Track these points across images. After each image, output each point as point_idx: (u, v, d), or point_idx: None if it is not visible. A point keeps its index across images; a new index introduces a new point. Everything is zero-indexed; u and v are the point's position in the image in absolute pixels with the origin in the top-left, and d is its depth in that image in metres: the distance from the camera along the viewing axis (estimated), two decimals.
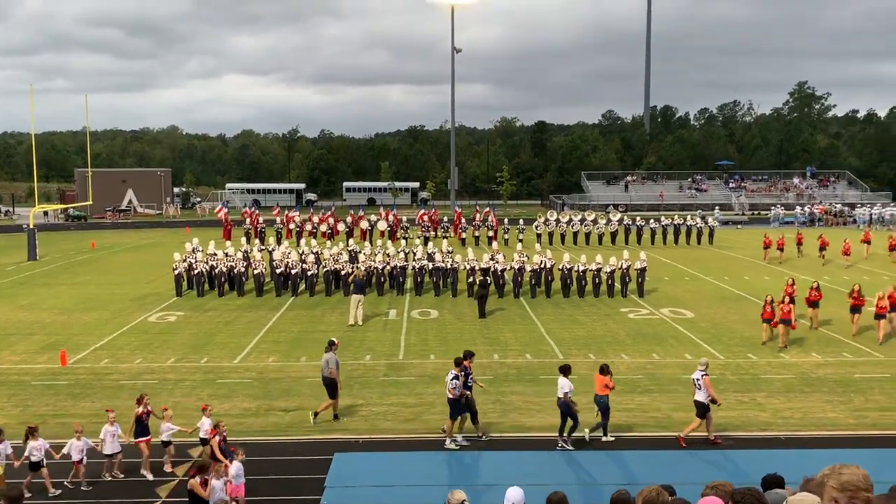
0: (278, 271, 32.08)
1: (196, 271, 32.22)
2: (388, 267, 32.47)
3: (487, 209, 52.71)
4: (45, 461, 13.63)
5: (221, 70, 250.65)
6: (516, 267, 31.89)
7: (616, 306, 29.33)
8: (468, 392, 15.74)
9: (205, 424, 14.32)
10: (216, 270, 32.28)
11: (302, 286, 32.10)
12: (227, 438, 13.82)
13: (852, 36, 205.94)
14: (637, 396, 18.51)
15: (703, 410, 15.49)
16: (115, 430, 14.19)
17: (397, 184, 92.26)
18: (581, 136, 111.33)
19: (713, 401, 15.49)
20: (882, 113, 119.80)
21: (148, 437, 14.43)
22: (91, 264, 42.54)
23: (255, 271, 32.20)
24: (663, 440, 15.86)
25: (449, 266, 32.12)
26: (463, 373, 15.71)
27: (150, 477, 14.19)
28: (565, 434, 15.51)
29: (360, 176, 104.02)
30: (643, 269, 31.49)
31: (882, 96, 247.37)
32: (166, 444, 14.53)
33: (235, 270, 32.25)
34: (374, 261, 32.36)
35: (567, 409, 15.37)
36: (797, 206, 71.63)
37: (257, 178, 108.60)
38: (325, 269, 32.26)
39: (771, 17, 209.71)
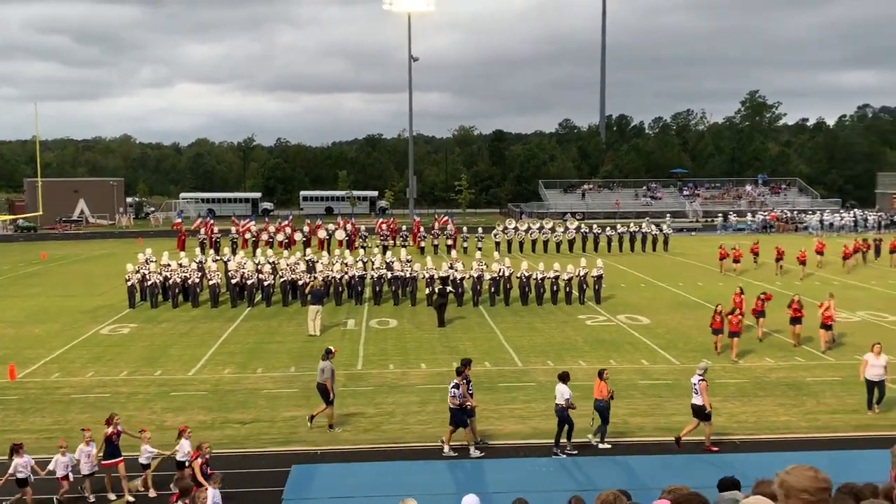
0: (234, 282, 31.70)
1: (149, 282, 31.70)
2: (346, 276, 32.29)
3: (445, 218, 52.80)
4: (31, 478, 13.25)
5: (175, 78, 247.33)
6: (475, 275, 31.94)
7: (574, 313, 29.52)
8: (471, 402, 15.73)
9: (184, 447, 13.70)
10: (170, 281, 31.79)
11: (258, 297, 31.76)
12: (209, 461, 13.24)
13: (801, 47, 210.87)
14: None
15: (703, 414, 15.66)
16: (90, 450, 13.67)
17: (355, 192, 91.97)
18: (538, 144, 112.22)
19: (703, 407, 15.64)
20: (831, 121, 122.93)
21: (119, 459, 13.78)
22: (41, 276, 41.61)
23: (211, 282, 31.77)
24: (620, 445, 15.95)
25: (408, 275, 32.05)
26: (464, 381, 15.69)
27: (111, 497, 13.73)
28: (563, 440, 15.59)
29: (317, 185, 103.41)
30: (600, 277, 31.77)
31: (830, 105, 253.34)
32: (145, 466, 13.94)
33: (190, 281, 31.79)
34: (332, 270, 32.16)
35: (564, 415, 15.43)
36: (748, 213, 72.97)
37: (212, 187, 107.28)
38: (282, 280, 31.97)
39: (723, 28, 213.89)
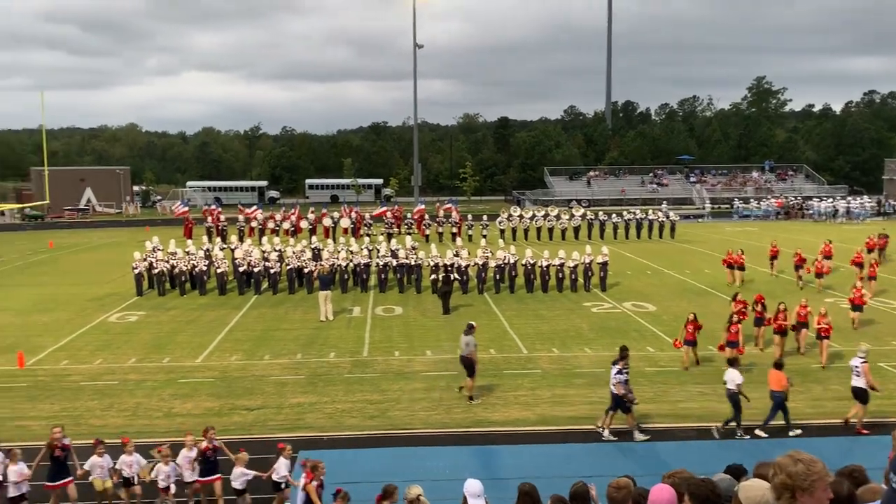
0: (241, 269, 31.80)
1: (157, 270, 31.82)
2: (351, 264, 32.37)
3: (449, 205, 52.73)
4: (136, 479, 12.55)
5: (181, 67, 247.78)
6: (480, 263, 31.98)
7: (579, 301, 29.55)
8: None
9: (281, 468, 12.46)
10: (177, 269, 31.91)
11: (265, 284, 31.86)
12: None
13: (807, 32, 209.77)
14: (600, 390, 18.64)
15: (863, 396, 15.73)
16: (192, 455, 12.66)
17: (360, 181, 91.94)
18: (544, 131, 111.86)
19: (871, 388, 15.76)
20: (837, 108, 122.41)
21: (216, 476, 12.74)
22: (49, 264, 41.80)
23: (218, 270, 31.88)
24: (625, 432, 16.01)
25: (413, 262, 32.11)
26: (626, 369, 15.74)
27: None
28: (730, 424, 15.76)
29: (322, 173, 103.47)
30: (605, 264, 31.77)
31: (836, 91, 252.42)
32: (240, 492, 12.56)
33: (197, 269, 31.90)
34: (338, 258, 32.23)
35: (736, 400, 15.61)
36: (752, 200, 72.59)
37: (218, 175, 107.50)
38: (289, 267, 32.06)
39: (729, 13, 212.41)
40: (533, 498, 7.71)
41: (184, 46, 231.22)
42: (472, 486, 7.81)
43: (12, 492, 12.16)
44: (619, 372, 15.53)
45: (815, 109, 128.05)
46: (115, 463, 12.61)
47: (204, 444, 12.59)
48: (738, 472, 7.21)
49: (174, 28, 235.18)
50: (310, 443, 15.54)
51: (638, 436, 15.60)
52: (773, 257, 34.08)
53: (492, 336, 24.13)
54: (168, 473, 12.42)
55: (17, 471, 12.20)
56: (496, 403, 17.77)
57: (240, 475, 12.44)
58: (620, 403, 15.59)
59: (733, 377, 15.69)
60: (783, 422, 15.93)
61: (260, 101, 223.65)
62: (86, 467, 12.62)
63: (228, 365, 21.22)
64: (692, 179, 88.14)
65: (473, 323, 18.96)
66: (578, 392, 18.58)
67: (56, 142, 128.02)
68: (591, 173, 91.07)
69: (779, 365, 16.04)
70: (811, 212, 65.48)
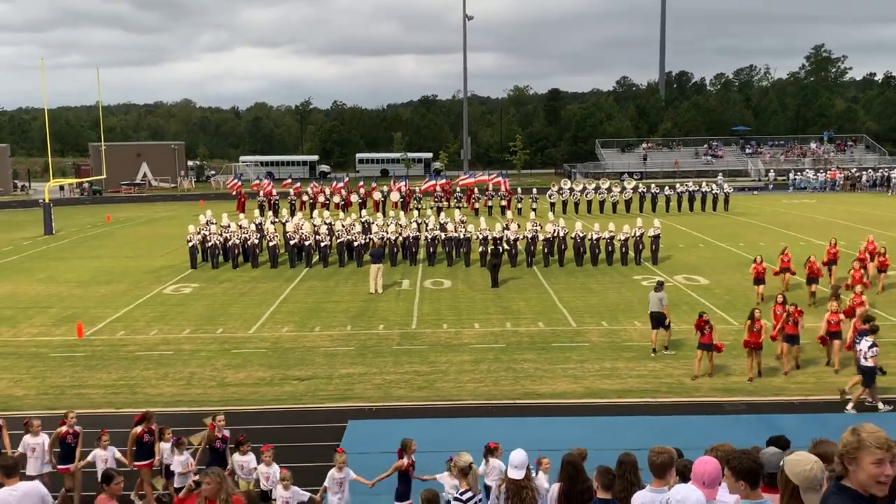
0: (292, 243, 32.16)
1: (210, 243, 32.36)
2: (400, 237, 32.50)
3: (498, 178, 52.39)
4: (272, 493, 10.94)
5: (233, 43, 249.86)
6: (529, 236, 31.84)
7: (629, 274, 29.25)
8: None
9: (495, 468, 10.37)
10: (230, 242, 32.43)
11: (315, 257, 32.22)
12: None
13: None
14: (650, 363, 18.53)
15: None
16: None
17: (410, 154, 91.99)
18: (595, 103, 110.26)
19: None
20: None
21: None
22: (106, 238, 42.82)
23: (270, 243, 32.30)
24: (673, 405, 15.89)
25: (462, 236, 32.10)
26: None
27: None
28: None
29: (372, 147, 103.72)
30: (657, 237, 31.33)
31: None
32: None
33: (249, 242, 32.38)
34: (387, 231, 32.39)
35: None
36: (807, 171, 70.72)
37: (270, 150, 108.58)
38: (339, 241, 32.33)
39: None
40: (576, 467, 7.71)
41: (235, 23, 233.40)
42: (515, 457, 7.83)
43: (178, 482, 11.70)
44: (873, 345, 15.26)
45: (876, 78, 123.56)
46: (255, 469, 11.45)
47: (405, 462, 11.00)
48: (781, 444, 7.11)
49: (225, 4, 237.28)
50: (358, 412, 15.76)
51: (882, 406, 15.36)
52: (831, 261, 25.71)
53: (540, 309, 24.06)
54: (287, 499, 10.60)
55: (184, 461, 11.81)
56: (543, 376, 17.75)
57: (449, 483, 10.43)
58: (871, 376, 15.24)
59: None
60: None
61: (310, 76, 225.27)
62: (230, 466, 11.64)
63: (280, 336, 21.55)
64: (748, 151, 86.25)
65: (662, 280, 20.85)
66: (627, 365, 18.45)
67: (113, 118, 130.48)
68: (644, 145, 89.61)
69: None
70: (871, 182, 63.57)
